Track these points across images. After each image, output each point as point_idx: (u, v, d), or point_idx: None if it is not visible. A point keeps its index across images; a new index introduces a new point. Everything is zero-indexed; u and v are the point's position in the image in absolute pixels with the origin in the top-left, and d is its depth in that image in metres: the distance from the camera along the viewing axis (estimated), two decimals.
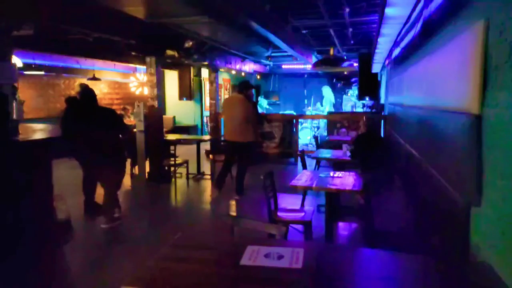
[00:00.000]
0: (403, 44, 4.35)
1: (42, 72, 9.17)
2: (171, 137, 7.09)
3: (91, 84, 7.69)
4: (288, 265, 1.55)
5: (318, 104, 13.99)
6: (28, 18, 4.63)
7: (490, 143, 1.49)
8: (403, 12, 3.61)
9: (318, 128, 12.08)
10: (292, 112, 13.35)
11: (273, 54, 10.23)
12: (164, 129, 7.01)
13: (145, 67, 7.00)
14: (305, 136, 11.88)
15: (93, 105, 4.39)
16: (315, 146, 8.07)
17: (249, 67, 12.13)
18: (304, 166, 4.90)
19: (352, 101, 13.68)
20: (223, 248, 1.84)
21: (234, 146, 5.57)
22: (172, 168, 6.46)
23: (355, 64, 10.68)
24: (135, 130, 6.23)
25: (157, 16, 5.76)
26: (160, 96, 7.03)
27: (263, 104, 13.36)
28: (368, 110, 10.45)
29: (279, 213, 3.52)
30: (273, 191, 3.50)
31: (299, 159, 7.32)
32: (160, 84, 6.92)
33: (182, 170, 6.86)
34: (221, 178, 5.64)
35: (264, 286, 1.47)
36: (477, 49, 1.58)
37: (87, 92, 4.40)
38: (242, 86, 5.64)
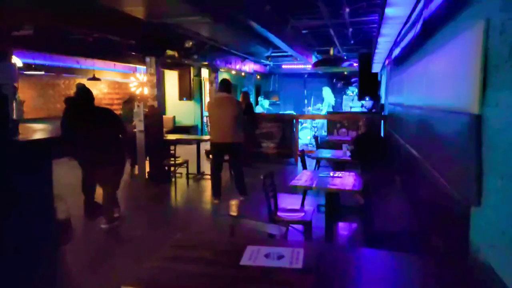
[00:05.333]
0: (403, 44, 4.35)
1: (42, 72, 9.18)
2: (171, 137, 7.09)
3: (91, 84, 7.72)
4: (288, 265, 1.55)
5: (319, 104, 14.00)
6: (28, 19, 4.63)
7: (490, 143, 1.49)
8: (403, 12, 3.61)
9: (318, 128, 12.08)
10: (292, 112, 13.35)
11: (273, 54, 10.24)
12: (164, 129, 7.01)
13: (145, 67, 6.99)
14: (305, 136, 11.88)
15: (90, 105, 4.37)
16: (315, 146, 8.07)
17: (249, 67, 12.14)
18: (304, 166, 4.90)
19: (350, 102, 13.70)
20: (223, 248, 1.84)
21: (225, 148, 5.41)
22: (172, 168, 6.46)
23: (355, 64, 10.68)
24: (135, 130, 6.24)
25: (157, 16, 5.76)
26: (160, 96, 7.03)
27: (265, 105, 13.34)
28: (365, 110, 10.45)
29: (279, 213, 3.52)
30: (273, 191, 3.50)
31: (299, 159, 7.32)
32: (160, 84, 6.91)
33: (182, 170, 6.86)
34: (217, 186, 5.45)
35: (264, 286, 1.47)
36: (477, 49, 1.57)
37: (83, 92, 4.38)
38: (227, 85, 5.48)
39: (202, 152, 8.04)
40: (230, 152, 5.50)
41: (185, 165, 6.50)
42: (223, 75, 12.85)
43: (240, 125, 5.45)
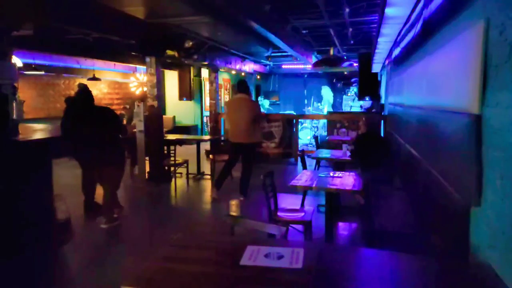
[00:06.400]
0: (403, 44, 4.35)
1: (42, 72, 9.16)
2: (171, 137, 7.09)
3: (91, 84, 7.70)
4: (288, 265, 1.55)
5: (316, 103, 14.03)
6: (28, 18, 4.63)
7: (490, 143, 1.49)
8: (403, 12, 3.61)
9: (317, 128, 12.09)
10: (292, 112, 13.36)
11: (273, 54, 10.23)
12: (164, 129, 7.01)
13: (145, 67, 6.99)
14: (305, 136, 11.88)
15: (90, 105, 4.37)
16: (315, 146, 8.07)
17: (249, 67, 12.13)
18: (304, 166, 4.89)
19: (351, 101, 13.73)
20: (223, 248, 1.84)
21: (240, 148, 5.54)
22: (172, 168, 6.46)
23: (355, 64, 10.68)
24: (135, 130, 6.23)
25: (157, 16, 5.76)
26: (160, 96, 7.03)
27: (265, 105, 13.36)
28: (365, 111, 10.44)
29: (279, 213, 3.52)
30: (273, 191, 3.50)
31: (299, 159, 7.32)
32: (160, 84, 6.91)
33: (182, 170, 6.86)
34: (221, 179, 5.58)
35: (264, 286, 1.47)
36: (477, 49, 1.57)
37: (83, 92, 4.38)
38: (244, 86, 5.60)
39: (202, 152, 8.04)
40: (244, 151, 5.59)
41: (185, 165, 6.50)
42: (223, 75, 12.87)
43: (257, 126, 5.58)
